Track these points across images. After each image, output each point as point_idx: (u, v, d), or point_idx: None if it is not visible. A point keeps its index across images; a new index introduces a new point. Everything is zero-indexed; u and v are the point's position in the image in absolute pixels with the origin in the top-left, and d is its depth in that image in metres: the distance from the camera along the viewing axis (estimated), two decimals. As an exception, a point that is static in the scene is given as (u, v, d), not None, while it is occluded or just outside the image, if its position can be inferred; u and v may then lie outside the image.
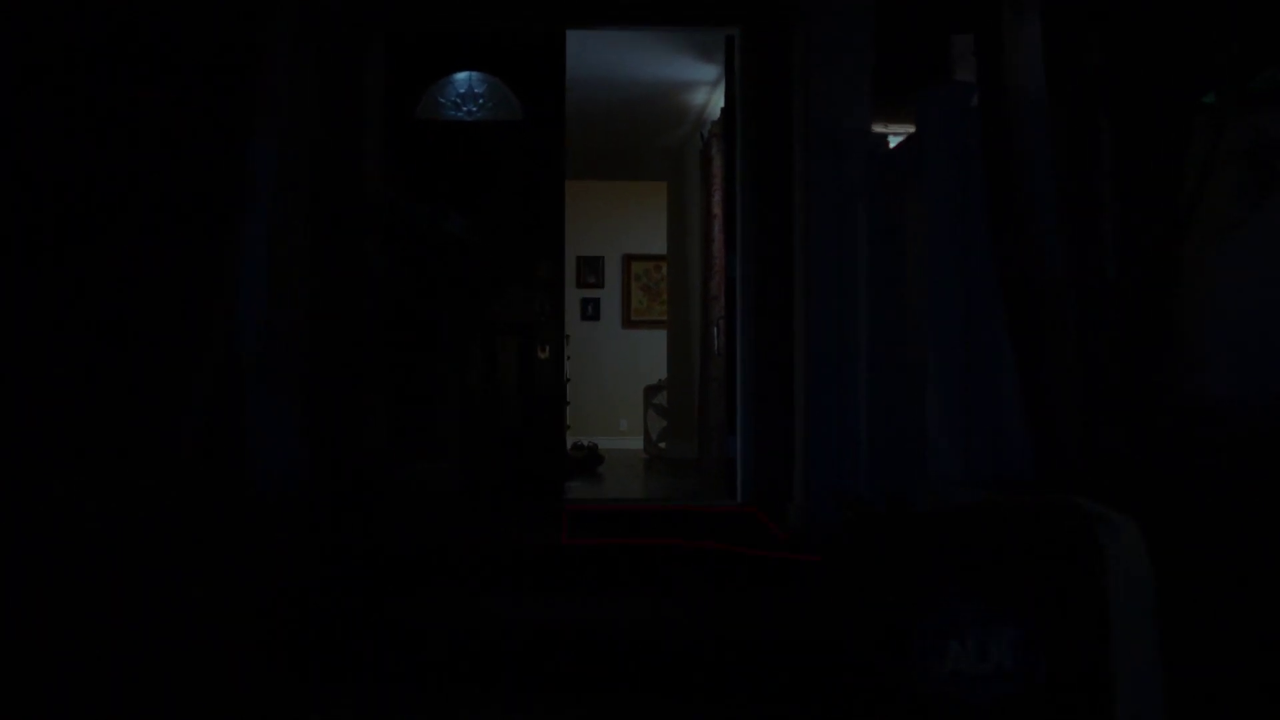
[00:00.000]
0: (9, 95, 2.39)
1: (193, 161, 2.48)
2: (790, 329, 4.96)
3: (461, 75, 5.76)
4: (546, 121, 5.76)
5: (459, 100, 5.74)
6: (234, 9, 2.72)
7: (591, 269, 11.57)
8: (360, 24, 5.30)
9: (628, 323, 11.55)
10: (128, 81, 2.41)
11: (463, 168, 5.72)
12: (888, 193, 4.20)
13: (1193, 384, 3.13)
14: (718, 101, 7.16)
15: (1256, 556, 2.51)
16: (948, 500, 2.86)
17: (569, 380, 8.80)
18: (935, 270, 3.54)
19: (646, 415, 9.19)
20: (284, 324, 4.21)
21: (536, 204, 5.76)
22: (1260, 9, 3.02)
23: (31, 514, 2.26)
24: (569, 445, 7.54)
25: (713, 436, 7.04)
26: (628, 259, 11.56)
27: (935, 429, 3.54)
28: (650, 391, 9.19)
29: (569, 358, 9.01)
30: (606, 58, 6.74)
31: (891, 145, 4.48)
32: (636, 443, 9.71)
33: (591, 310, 11.54)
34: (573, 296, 11.06)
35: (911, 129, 4.27)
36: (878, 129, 4.85)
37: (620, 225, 11.42)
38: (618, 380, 11.09)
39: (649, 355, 10.74)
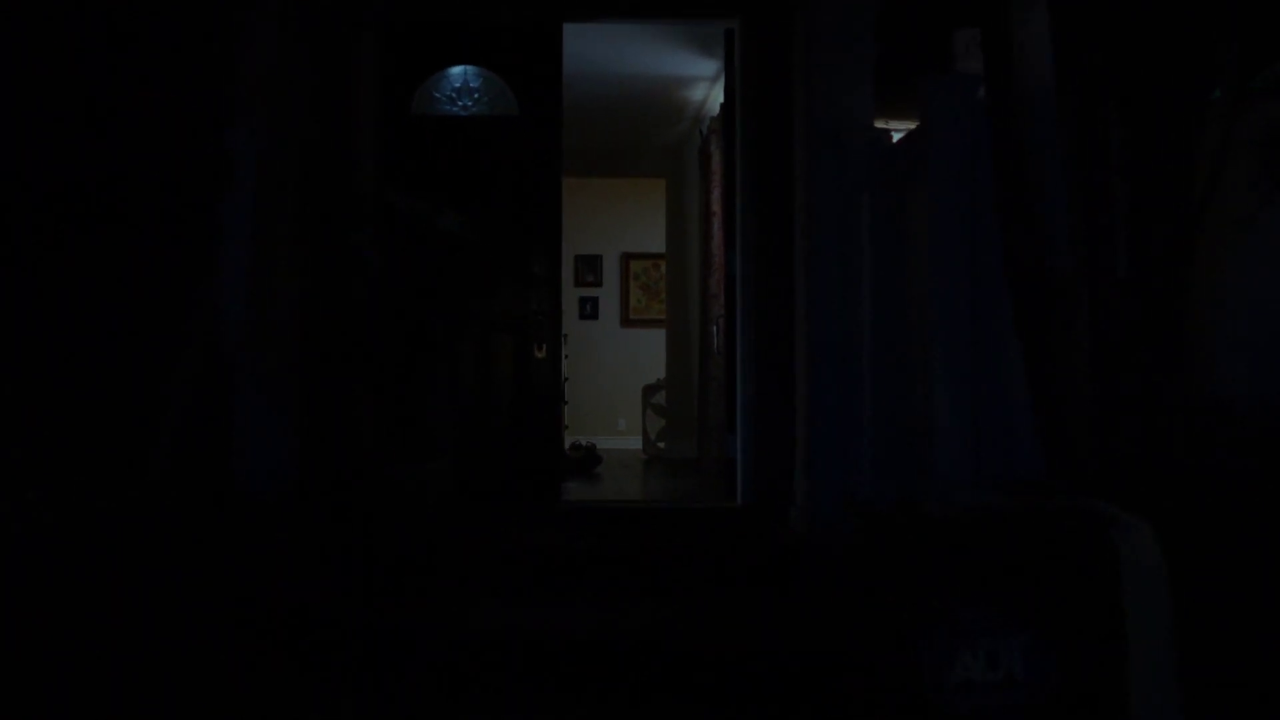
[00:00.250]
0: None
1: (167, 147, 2.39)
2: (791, 327, 4.89)
3: (457, 69, 5.68)
4: (543, 116, 5.68)
5: (454, 95, 5.66)
6: None
7: (590, 268, 11.54)
8: (354, 16, 5.22)
9: (626, 322, 11.53)
10: (92, 60, 2.32)
11: (458, 163, 5.64)
12: (891, 187, 4.13)
13: (1204, 382, 3.06)
14: (717, 97, 7.12)
15: (1274, 560, 2.44)
16: (956, 502, 2.77)
17: (567, 379, 8.76)
18: (941, 266, 3.48)
19: (645, 415, 9.17)
20: (273, 320, 4.14)
21: (533, 200, 5.68)
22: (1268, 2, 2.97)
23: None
24: (567, 445, 7.50)
25: (712, 436, 6.98)
26: (626, 257, 11.54)
27: (941, 429, 3.47)
28: (649, 391, 9.17)
29: (567, 357, 8.99)
30: (604, 52, 6.69)
31: (894, 141, 4.42)
32: (635, 442, 9.69)
33: (590, 309, 11.52)
34: (571, 295, 11.05)
35: (913, 125, 4.20)
36: (878, 125, 4.77)
37: (618, 224, 11.40)
38: (616, 380, 11.07)
39: (648, 354, 10.72)
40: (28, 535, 2.25)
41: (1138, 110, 2.93)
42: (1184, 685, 2.24)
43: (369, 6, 5.27)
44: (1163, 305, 2.89)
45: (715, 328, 6.80)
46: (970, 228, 3.46)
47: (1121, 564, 2.21)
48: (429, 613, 3.87)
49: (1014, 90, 3.10)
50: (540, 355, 5.69)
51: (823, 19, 4.61)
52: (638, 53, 6.84)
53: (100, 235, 2.30)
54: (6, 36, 2.27)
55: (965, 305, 3.46)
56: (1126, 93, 2.94)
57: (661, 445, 8.85)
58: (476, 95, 5.67)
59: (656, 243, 10.10)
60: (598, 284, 11.56)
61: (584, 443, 8.06)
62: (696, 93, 7.76)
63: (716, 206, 6.96)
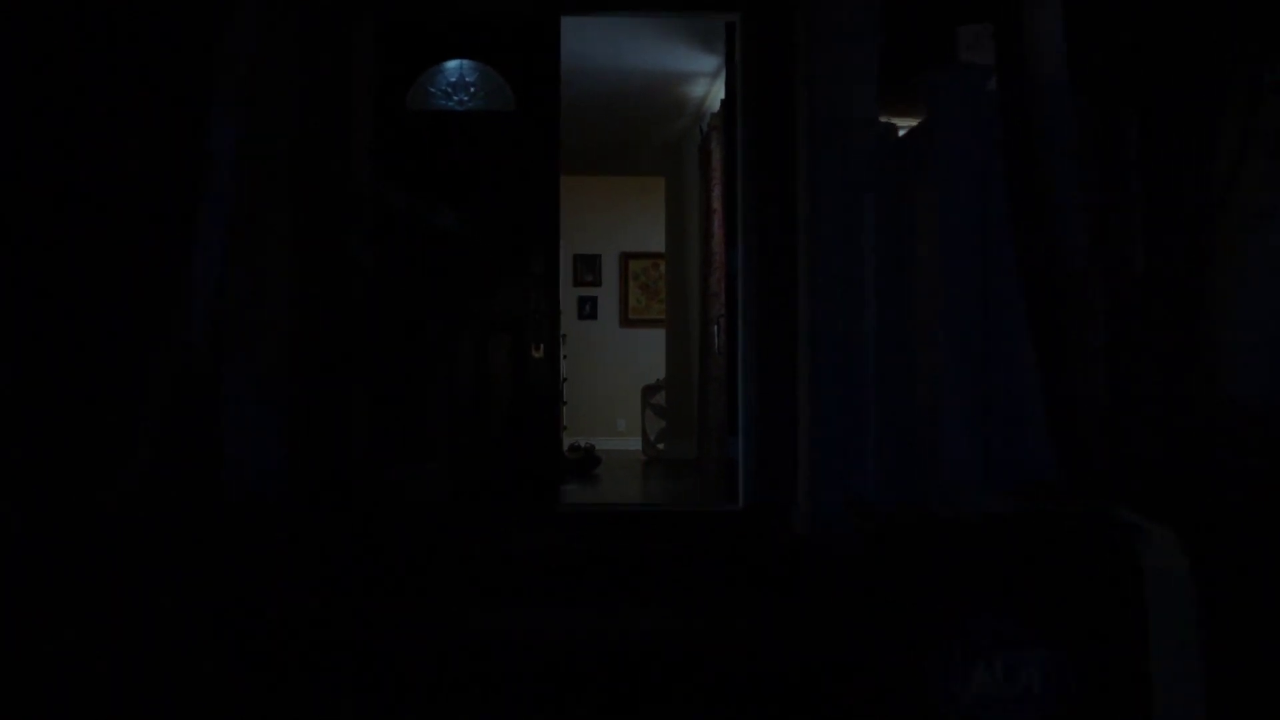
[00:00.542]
0: None
1: (142, 141, 2.30)
2: (794, 325, 4.82)
3: (452, 64, 5.58)
4: (541, 112, 5.58)
5: (450, 89, 5.55)
6: None
7: (589, 267, 11.48)
8: (347, 9, 5.13)
9: (625, 321, 11.47)
10: (53, 36, 2.22)
11: (454, 160, 5.54)
12: (896, 183, 4.06)
13: (1220, 381, 2.98)
14: (717, 94, 7.05)
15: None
16: (967, 507, 2.68)
17: (566, 380, 8.69)
18: (950, 263, 3.41)
19: (645, 415, 9.12)
20: (264, 320, 4.06)
21: (530, 197, 5.58)
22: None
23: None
24: (566, 446, 7.44)
25: (712, 437, 6.91)
26: (625, 257, 11.49)
27: (949, 430, 3.41)
28: (648, 391, 9.12)
29: (565, 357, 8.92)
30: (603, 47, 6.62)
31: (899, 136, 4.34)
32: (634, 443, 9.64)
33: (589, 309, 11.47)
34: (570, 295, 11.00)
35: (915, 123, 4.13)
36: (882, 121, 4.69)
37: (617, 223, 11.34)
38: (615, 380, 11.02)
39: (647, 355, 10.67)
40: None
41: (1154, 103, 2.86)
42: (1210, 699, 2.15)
43: (364, 1, 5.18)
44: (1180, 303, 2.81)
45: (716, 327, 6.72)
46: (979, 223, 3.41)
47: (1145, 573, 2.12)
48: (426, 617, 3.82)
49: (1026, 82, 3.02)
50: (538, 355, 5.60)
51: (826, 12, 4.54)
52: (637, 48, 6.77)
53: (63, 233, 2.20)
54: None
55: (974, 303, 3.41)
56: (1142, 84, 2.87)
57: (661, 446, 8.81)
58: (473, 90, 5.57)
59: (656, 242, 10.06)
60: (596, 283, 11.51)
61: (583, 444, 8.00)
62: (696, 89, 7.69)
63: (717, 204, 6.88)
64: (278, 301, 4.31)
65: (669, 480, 7.29)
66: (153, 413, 2.27)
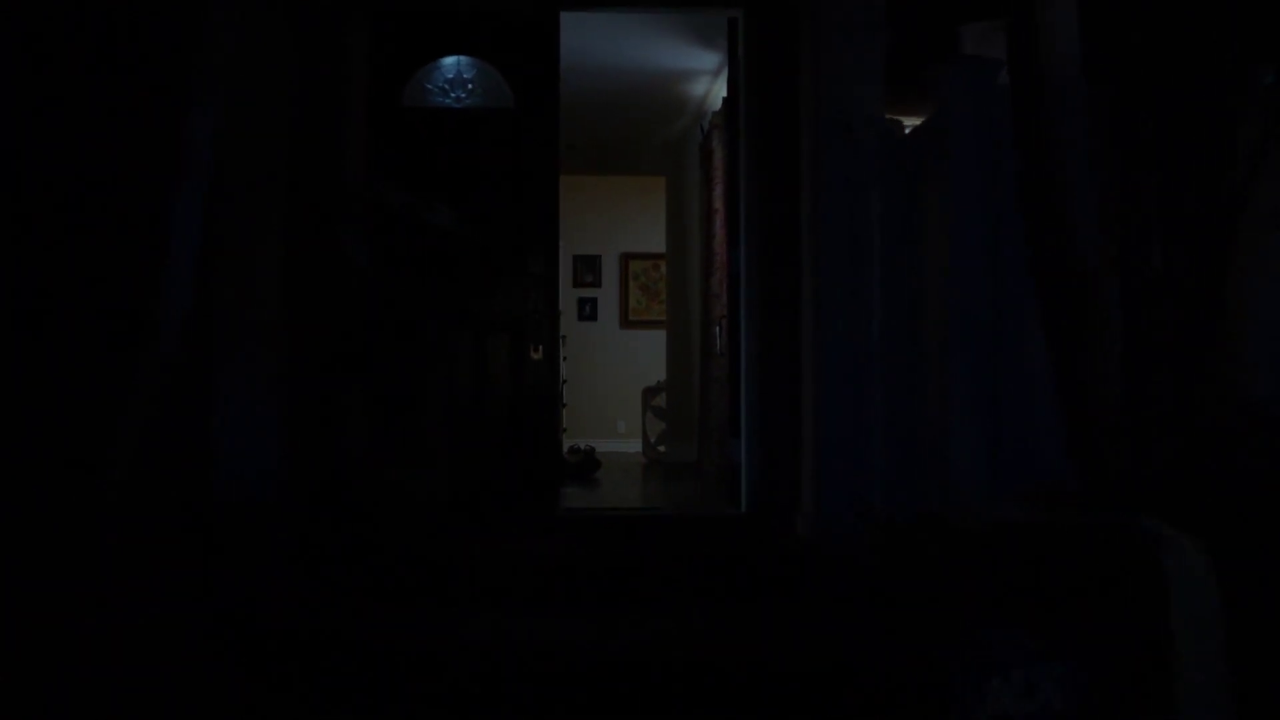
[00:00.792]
0: None
1: (118, 133, 2.21)
2: (797, 326, 4.74)
3: (450, 60, 5.49)
4: (540, 109, 5.49)
5: (447, 86, 5.46)
6: None
7: (588, 268, 11.43)
8: (342, 3, 5.04)
9: (625, 323, 11.42)
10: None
11: (451, 158, 5.45)
12: (903, 180, 3.99)
13: (1238, 383, 2.91)
14: (719, 92, 6.98)
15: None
16: (979, 513, 2.59)
17: (565, 381, 8.61)
18: (960, 262, 3.34)
19: (645, 417, 9.06)
20: (257, 318, 3.99)
21: (529, 195, 5.49)
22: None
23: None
24: (565, 449, 7.36)
25: (713, 439, 6.84)
26: (625, 258, 11.43)
27: (958, 433, 3.35)
28: (649, 393, 9.06)
29: (565, 358, 8.84)
30: (602, 44, 6.55)
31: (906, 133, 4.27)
32: (635, 445, 9.59)
33: (588, 310, 11.41)
34: (569, 296, 10.94)
35: (920, 121, 4.07)
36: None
37: (617, 223, 11.29)
38: (615, 382, 10.96)
39: (647, 356, 10.62)
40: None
41: (1171, 99, 2.80)
42: (1239, 716, 2.06)
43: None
44: (1200, 302, 2.74)
45: (718, 328, 6.64)
46: (990, 221, 3.35)
47: (1169, 585, 2.03)
48: (422, 624, 3.77)
49: (1039, 76, 2.96)
50: (537, 357, 5.51)
51: (830, 7, 4.48)
52: (637, 45, 6.69)
53: (24, 224, 2.12)
54: None
55: (984, 303, 3.36)
56: (1158, 81, 2.81)
57: (662, 449, 8.75)
58: (470, 87, 5.48)
59: (656, 243, 10.01)
60: (596, 284, 11.46)
61: (583, 446, 7.93)
62: (698, 87, 7.63)
63: (719, 204, 6.80)
64: (272, 300, 4.23)
65: (670, 483, 7.23)
66: (133, 413, 2.18)
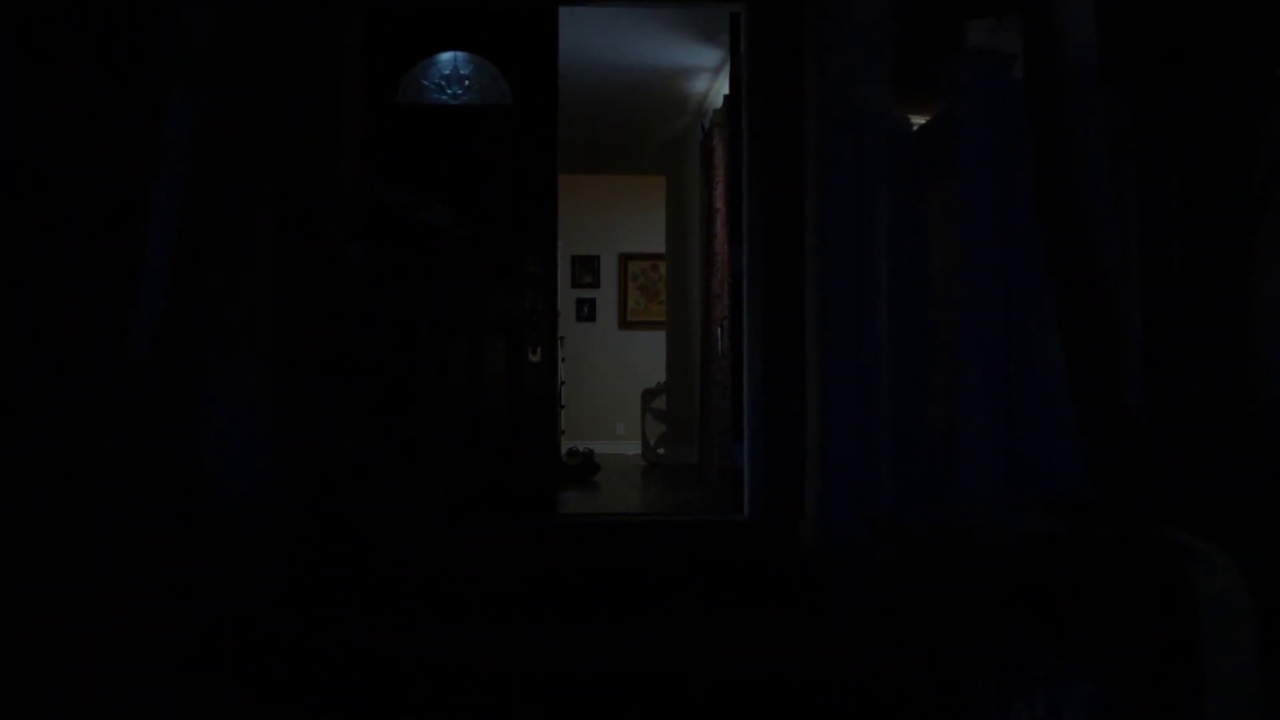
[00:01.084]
0: None
1: (81, 119, 2.11)
2: (801, 327, 4.64)
3: (446, 56, 5.38)
4: (538, 106, 5.39)
5: (443, 83, 5.35)
6: None
7: (587, 268, 11.35)
8: (337, -1, 4.94)
9: (624, 324, 11.34)
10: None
11: (447, 155, 5.34)
12: (911, 178, 3.89)
13: (1261, 386, 2.81)
14: (719, 89, 6.89)
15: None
16: (997, 524, 2.49)
17: (563, 383, 8.51)
18: (972, 261, 3.24)
19: (644, 420, 8.97)
20: (245, 320, 3.89)
21: (527, 194, 5.38)
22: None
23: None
24: (563, 451, 7.26)
25: (714, 442, 6.74)
26: (624, 258, 11.36)
27: (969, 438, 3.25)
28: (648, 395, 8.97)
29: (563, 360, 8.74)
30: (602, 41, 6.47)
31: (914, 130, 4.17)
32: (634, 447, 9.50)
33: (587, 311, 11.33)
34: (568, 297, 10.86)
35: (927, 118, 3.96)
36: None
37: (616, 223, 11.21)
38: (614, 383, 10.88)
39: (646, 357, 10.54)
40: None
41: (1192, 95, 2.70)
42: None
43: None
44: (1222, 303, 2.64)
45: (720, 329, 6.54)
46: (1002, 220, 3.25)
47: (1199, 603, 1.92)
48: (414, 635, 3.69)
49: (1056, 71, 2.86)
50: (535, 358, 5.41)
51: (836, 1, 4.35)
52: (637, 41, 6.62)
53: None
54: None
55: (997, 304, 3.26)
56: (1179, 76, 2.72)
57: (661, 451, 8.66)
58: (467, 83, 5.37)
59: (655, 243, 9.93)
60: (595, 285, 11.38)
61: (581, 449, 7.84)
62: (698, 85, 7.55)
63: (720, 203, 6.70)
64: (262, 301, 4.13)
65: (670, 488, 7.14)
66: (109, 416, 2.08)
